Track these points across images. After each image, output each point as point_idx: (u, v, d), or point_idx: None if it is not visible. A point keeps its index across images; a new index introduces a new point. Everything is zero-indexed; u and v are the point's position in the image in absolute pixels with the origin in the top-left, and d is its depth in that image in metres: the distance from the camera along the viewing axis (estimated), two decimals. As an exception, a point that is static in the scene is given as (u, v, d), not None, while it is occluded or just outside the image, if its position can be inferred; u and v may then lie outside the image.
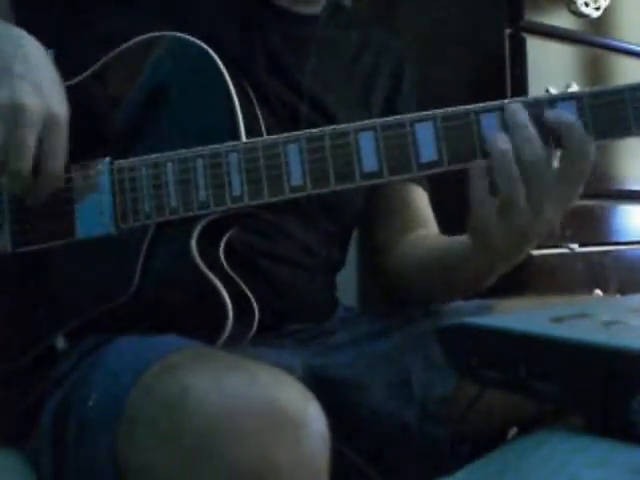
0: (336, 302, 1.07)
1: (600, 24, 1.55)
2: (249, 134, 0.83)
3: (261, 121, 0.88)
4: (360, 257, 1.47)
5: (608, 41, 1.58)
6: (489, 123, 0.78)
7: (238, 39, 0.95)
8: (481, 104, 0.79)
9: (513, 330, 0.64)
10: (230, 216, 0.84)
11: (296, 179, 0.81)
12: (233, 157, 0.82)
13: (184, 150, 0.83)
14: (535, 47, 1.44)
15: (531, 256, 1.40)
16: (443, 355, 0.69)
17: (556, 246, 1.45)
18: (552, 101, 0.78)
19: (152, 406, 0.66)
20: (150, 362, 0.70)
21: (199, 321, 0.83)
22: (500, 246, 0.81)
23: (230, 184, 0.81)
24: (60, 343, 0.85)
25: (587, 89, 0.79)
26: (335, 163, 0.80)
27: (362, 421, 0.90)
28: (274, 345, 0.92)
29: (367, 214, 1.07)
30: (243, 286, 0.86)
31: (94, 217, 0.84)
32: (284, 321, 0.96)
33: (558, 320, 0.66)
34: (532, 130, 0.76)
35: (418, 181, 1.05)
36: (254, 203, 0.82)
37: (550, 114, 0.77)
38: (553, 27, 1.48)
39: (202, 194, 0.82)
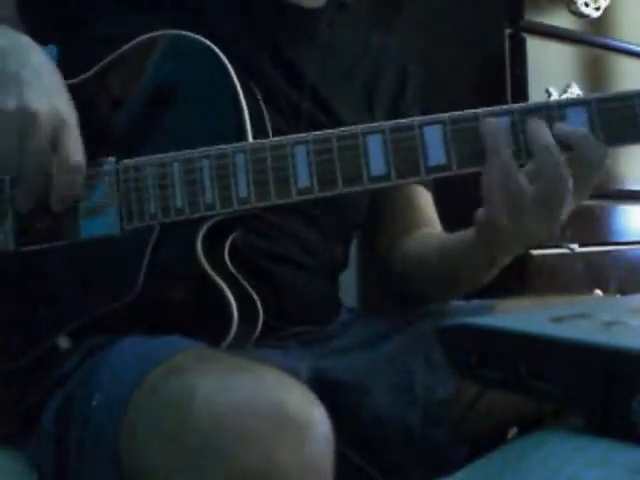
0: (339, 304, 1.07)
1: (600, 24, 1.55)
2: (254, 131, 0.83)
3: (266, 118, 0.87)
4: (361, 258, 1.47)
5: (608, 41, 1.58)
6: (497, 126, 0.78)
7: (242, 34, 0.95)
8: (489, 108, 0.79)
9: (513, 330, 0.64)
10: (235, 217, 0.83)
11: (303, 181, 0.80)
12: (240, 158, 0.81)
13: (190, 150, 0.82)
14: (535, 47, 1.44)
15: (531, 256, 1.40)
16: (443, 355, 0.69)
17: (556, 246, 1.45)
18: (561, 106, 0.78)
19: (157, 407, 0.66)
20: (155, 363, 0.70)
21: (204, 322, 0.83)
22: (505, 243, 0.82)
23: (237, 185, 0.81)
24: (64, 343, 0.85)
25: (596, 95, 0.78)
26: (343, 165, 0.80)
27: (365, 424, 0.90)
28: (278, 347, 0.92)
29: (371, 214, 1.06)
30: (248, 287, 0.86)
31: (98, 217, 0.84)
32: (287, 322, 0.95)
33: (558, 320, 0.66)
34: (556, 149, 0.76)
35: (423, 182, 1.05)
36: (261, 205, 0.81)
37: (562, 128, 0.77)
38: (553, 27, 1.48)
39: (208, 195, 0.81)
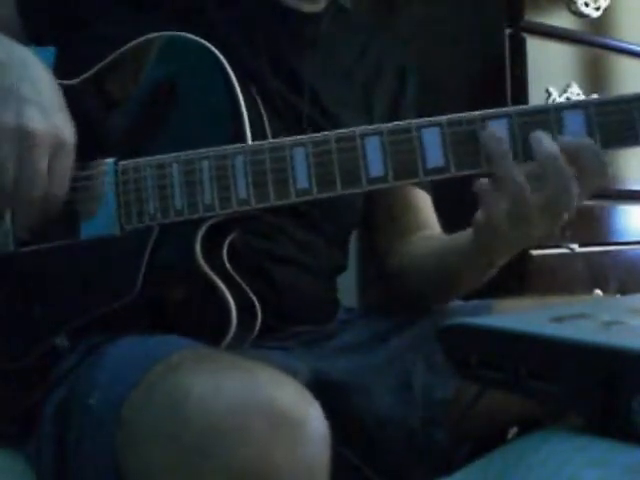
0: (337, 304, 1.07)
1: (600, 24, 1.55)
2: (253, 133, 0.83)
3: (265, 121, 0.87)
4: (360, 259, 1.47)
5: (608, 41, 1.58)
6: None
7: (242, 38, 0.95)
8: (488, 110, 0.79)
9: (513, 330, 0.64)
10: (234, 218, 0.83)
11: (302, 182, 0.81)
12: (239, 159, 0.81)
13: (190, 151, 0.82)
14: (535, 47, 1.44)
15: (531, 256, 1.40)
16: (443, 355, 0.69)
17: (556, 246, 1.45)
18: (558, 110, 0.78)
19: (153, 406, 0.66)
20: (152, 362, 0.70)
21: (202, 323, 0.83)
22: (504, 246, 0.82)
23: (236, 186, 0.81)
24: (62, 342, 0.85)
25: (593, 98, 0.78)
26: (341, 167, 0.80)
27: (365, 424, 0.90)
28: (278, 348, 0.92)
29: (370, 216, 1.07)
30: (246, 288, 0.86)
31: (98, 218, 0.84)
32: (286, 323, 0.95)
33: (558, 320, 0.66)
34: (560, 157, 0.76)
35: (421, 184, 1.05)
36: (260, 206, 0.81)
37: (563, 140, 0.77)
38: (553, 27, 1.48)
39: (207, 196, 0.82)
